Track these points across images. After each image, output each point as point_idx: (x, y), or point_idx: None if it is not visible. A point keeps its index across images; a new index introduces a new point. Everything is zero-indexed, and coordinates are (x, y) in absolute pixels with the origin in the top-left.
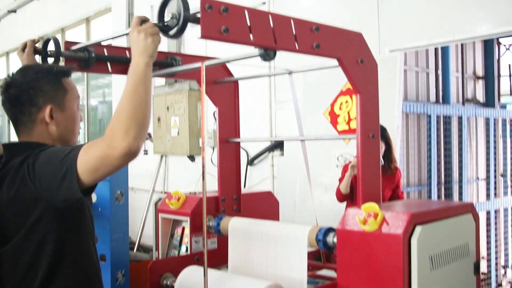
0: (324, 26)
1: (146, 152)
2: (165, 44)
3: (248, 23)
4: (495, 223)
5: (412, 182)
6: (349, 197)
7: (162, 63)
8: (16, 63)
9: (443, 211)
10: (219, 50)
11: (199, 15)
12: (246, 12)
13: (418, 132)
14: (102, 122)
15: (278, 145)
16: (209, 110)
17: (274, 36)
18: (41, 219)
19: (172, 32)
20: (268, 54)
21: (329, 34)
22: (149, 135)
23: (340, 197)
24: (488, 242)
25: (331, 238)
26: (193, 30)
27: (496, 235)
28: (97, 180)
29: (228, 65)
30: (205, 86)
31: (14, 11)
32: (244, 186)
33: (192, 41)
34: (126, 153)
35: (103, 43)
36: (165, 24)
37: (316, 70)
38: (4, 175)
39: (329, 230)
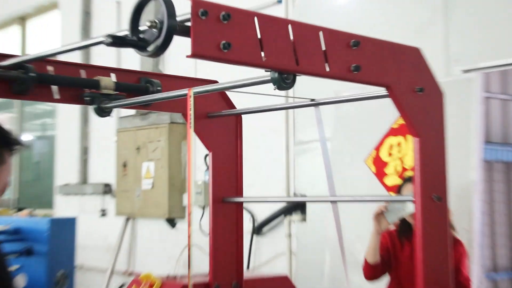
0: (367, 40)
1: (103, 213)
2: (137, 60)
3: (259, 35)
4: None
5: (500, 265)
6: (381, 270)
7: (132, 88)
8: None
9: None
10: (214, 70)
11: (189, 24)
12: (255, 20)
13: (508, 190)
14: (39, 166)
15: (297, 207)
16: (198, 153)
17: (295, 54)
18: None
19: (150, 48)
20: (285, 80)
21: (374, 51)
22: (108, 187)
23: (368, 271)
24: None
25: None
26: (178, 41)
27: None
28: None
29: (228, 92)
30: (193, 121)
31: None
32: (248, 267)
33: (176, 55)
34: None
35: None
36: (140, 37)
37: (353, 101)
38: None
39: None
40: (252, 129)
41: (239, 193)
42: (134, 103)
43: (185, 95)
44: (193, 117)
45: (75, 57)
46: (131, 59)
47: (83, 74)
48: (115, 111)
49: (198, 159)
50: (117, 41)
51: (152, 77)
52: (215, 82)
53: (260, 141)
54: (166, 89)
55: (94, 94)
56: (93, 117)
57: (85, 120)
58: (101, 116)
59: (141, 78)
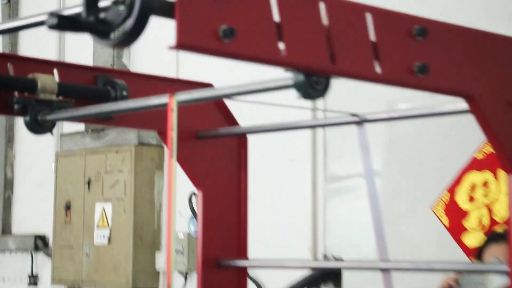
0: (439, 26)
1: (33, 280)
2: (89, 51)
3: (276, 17)
4: None
5: None
6: None
7: (84, 91)
8: None
9: None
10: (204, 67)
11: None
12: None
13: None
14: None
15: (329, 275)
16: (180, 191)
17: (329, 47)
18: None
19: (115, 34)
20: (314, 85)
21: (450, 43)
22: (42, 241)
23: None
24: None
25: None
26: (153, 24)
27: None
28: None
29: (227, 101)
30: (176, 144)
31: None
32: None
33: (150, 44)
34: None
35: None
36: (100, 17)
37: (415, 118)
38: None
39: None
40: (262, 157)
41: (242, 253)
42: (87, 116)
43: (165, 104)
44: (175, 137)
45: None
46: (79, 49)
47: (10, 69)
48: (57, 126)
49: (180, 200)
50: (65, 23)
51: (115, 76)
52: (209, 85)
53: (274, 174)
54: (134, 94)
55: (27, 100)
56: (22, 133)
57: (8, 139)
58: (37, 132)
59: (98, 77)
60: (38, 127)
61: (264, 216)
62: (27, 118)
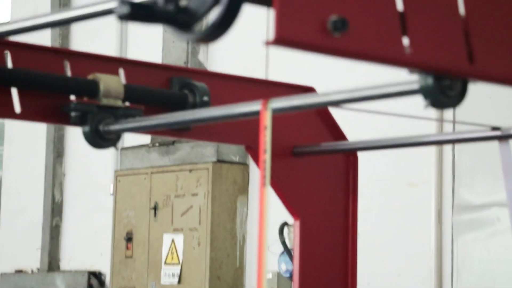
0: None
1: None
2: (158, 46)
3: (400, 6)
4: None
5: None
6: None
7: (157, 96)
8: None
9: None
10: (298, 66)
11: None
12: None
13: None
14: None
15: None
16: (270, 221)
17: (467, 44)
18: None
19: (200, 26)
20: (447, 91)
21: None
22: (98, 280)
23: None
24: None
25: None
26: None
27: None
28: None
29: (331, 110)
30: (270, 163)
31: None
32: None
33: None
34: None
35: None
36: (181, 5)
37: None
38: None
39: None
40: (374, 180)
41: None
42: (160, 126)
43: (256, 113)
44: (269, 154)
45: (46, 38)
46: (144, 43)
47: (67, 68)
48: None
49: (270, 232)
50: (138, 12)
51: (193, 77)
52: (310, 90)
53: (388, 202)
54: (216, 99)
55: (86, 107)
56: (73, 147)
57: (57, 153)
58: (98, 146)
59: (173, 79)
60: (100, 139)
61: (376, 255)
62: (87, 128)
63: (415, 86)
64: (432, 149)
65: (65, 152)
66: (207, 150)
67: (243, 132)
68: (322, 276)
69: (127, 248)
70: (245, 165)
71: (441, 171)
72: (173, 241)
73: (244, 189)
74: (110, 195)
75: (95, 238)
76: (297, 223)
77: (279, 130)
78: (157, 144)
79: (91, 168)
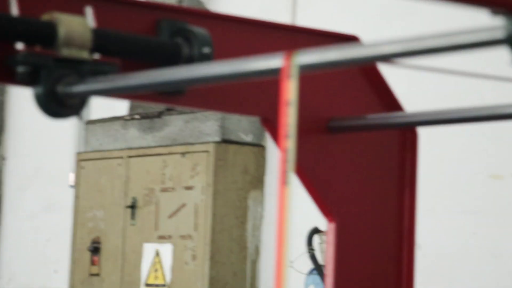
0: None
1: None
2: None
3: None
4: None
5: None
6: None
7: (139, 45)
8: None
9: None
10: (340, 5)
11: None
12: None
13: None
14: None
15: None
16: (298, 228)
17: None
18: None
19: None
20: None
21: None
22: None
23: None
24: None
25: None
26: None
27: None
28: None
29: (383, 67)
30: (294, 142)
31: None
32: None
33: None
34: None
35: None
36: None
37: None
38: None
39: None
40: (439, 167)
41: None
42: (142, 87)
43: (276, 71)
44: (294, 135)
45: None
46: None
47: (13, 6)
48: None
49: (293, 242)
50: None
51: (189, 19)
52: (352, 39)
53: (460, 198)
54: (220, 51)
55: (39, 59)
56: (16, 119)
57: None
58: (56, 115)
59: (161, 22)
60: (58, 105)
61: (442, 272)
62: (39, 89)
63: (499, 34)
64: None
65: (6, 127)
66: (208, 126)
67: (257, 98)
68: None
69: (92, 262)
70: (260, 146)
71: None
72: (157, 253)
73: (259, 180)
74: (70, 188)
75: (47, 249)
76: (332, 228)
77: (309, 96)
78: (137, 117)
79: (42, 150)
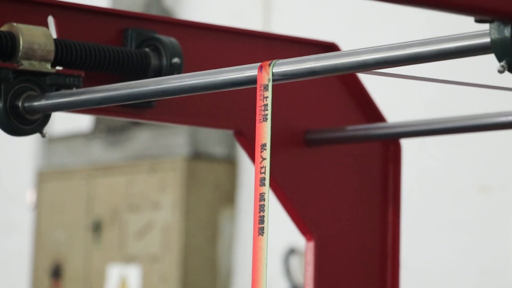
0: None
1: None
2: None
3: None
4: None
5: None
6: None
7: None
8: None
9: None
10: (316, 11)
11: None
12: None
13: None
14: None
15: None
16: (275, 247)
17: None
18: None
19: None
20: None
21: None
22: None
23: None
24: None
25: None
26: None
27: None
28: None
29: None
30: (269, 156)
31: None
32: None
33: None
34: None
35: None
36: None
37: None
38: None
39: None
40: (424, 180)
41: None
42: (108, 101)
43: (252, 81)
44: (269, 144)
45: None
46: None
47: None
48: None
49: (270, 262)
50: None
51: (157, 29)
52: (331, 46)
53: (447, 213)
54: (191, 62)
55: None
56: None
57: None
58: (16, 133)
59: (127, 32)
60: (18, 121)
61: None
62: None
63: (486, 40)
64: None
65: None
66: (177, 140)
67: (230, 111)
68: None
69: (54, 287)
70: (231, 163)
71: None
72: (123, 277)
73: (230, 198)
74: (30, 210)
75: (4, 273)
76: (311, 247)
77: (286, 107)
78: (101, 132)
79: (1, 168)
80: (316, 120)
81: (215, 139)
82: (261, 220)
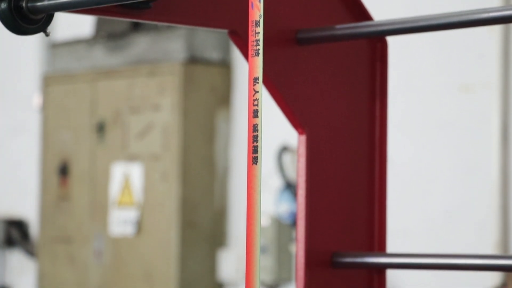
0: None
1: None
2: None
3: None
4: None
5: None
6: None
7: None
8: None
9: None
10: None
11: None
12: None
13: None
14: None
15: None
16: (269, 143)
17: None
18: None
19: None
20: None
21: None
22: (20, 229)
23: None
24: None
25: None
26: None
27: None
28: None
29: None
30: (262, 55)
31: None
32: None
33: None
34: None
35: None
36: None
37: None
38: None
39: None
40: (409, 79)
41: (379, 245)
42: (104, 1)
43: None
44: (261, 42)
45: None
46: None
47: None
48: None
49: (265, 159)
50: None
51: None
52: None
53: (430, 113)
54: None
55: None
56: None
57: None
58: (20, 31)
59: None
60: (22, 21)
61: (415, 189)
62: (3, 5)
63: None
64: (497, 30)
65: None
66: (174, 44)
67: (225, 11)
68: (339, 218)
69: (61, 184)
70: (226, 66)
71: (508, 69)
72: (126, 174)
73: (225, 99)
74: (36, 111)
75: (14, 172)
76: (303, 140)
77: (277, 7)
78: (103, 37)
79: (6, 71)
80: (306, 20)
81: (211, 44)
82: (255, 150)
